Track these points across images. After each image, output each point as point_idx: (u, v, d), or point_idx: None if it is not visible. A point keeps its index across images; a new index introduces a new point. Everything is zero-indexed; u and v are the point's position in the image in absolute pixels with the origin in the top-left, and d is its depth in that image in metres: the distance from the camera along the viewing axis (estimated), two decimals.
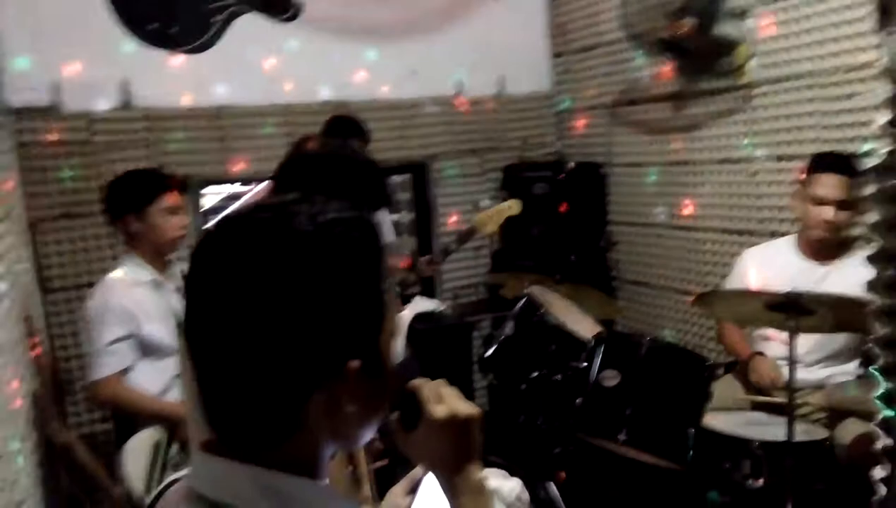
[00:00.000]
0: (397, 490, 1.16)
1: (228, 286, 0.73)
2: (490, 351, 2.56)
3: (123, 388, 2.43)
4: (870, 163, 1.42)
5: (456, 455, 0.93)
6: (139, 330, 2.44)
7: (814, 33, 2.90)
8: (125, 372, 2.43)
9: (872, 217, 1.48)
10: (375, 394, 0.80)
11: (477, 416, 0.94)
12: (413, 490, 1.15)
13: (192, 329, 0.76)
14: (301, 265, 0.72)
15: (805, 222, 2.60)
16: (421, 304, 3.35)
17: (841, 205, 2.47)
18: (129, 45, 2.76)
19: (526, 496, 1.24)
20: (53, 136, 3.10)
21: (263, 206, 0.79)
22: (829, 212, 2.48)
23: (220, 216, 0.84)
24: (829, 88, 2.86)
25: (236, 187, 4.44)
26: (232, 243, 0.75)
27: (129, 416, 2.49)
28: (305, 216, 0.75)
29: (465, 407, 0.93)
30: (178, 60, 3.13)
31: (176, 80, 3.30)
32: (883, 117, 1.41)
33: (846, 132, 2.81)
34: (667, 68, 3.51)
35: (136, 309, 2.44)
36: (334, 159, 1.56)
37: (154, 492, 0.78)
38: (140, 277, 2.51)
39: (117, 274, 2.50)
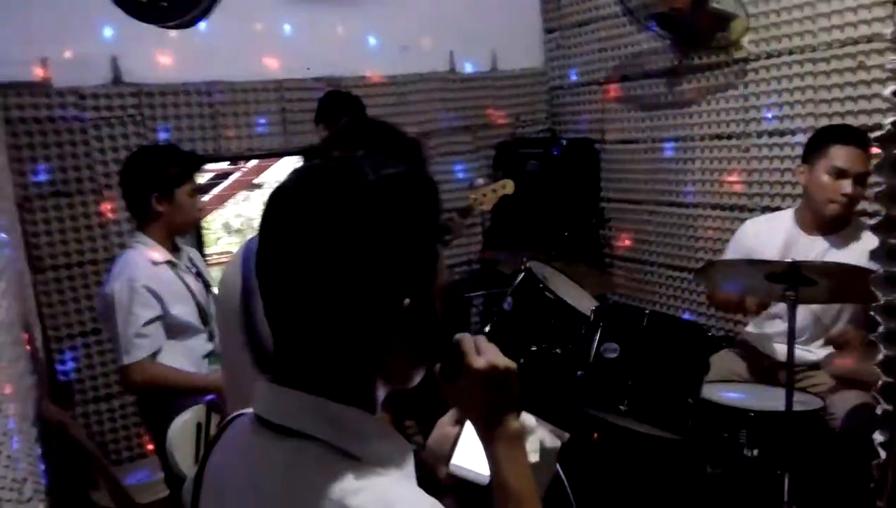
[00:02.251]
0: (445, 420, 1.20)
1: (297, 230, 0.80)
2: (489, 326, 2.57)
3: (159, 369, 2.39)
4: (876, 133, 1.43)
5: (493, 404, 0.98)
6: (167, 311, 2.41)
7: (805, 9, 2.91)
8: (155, 354, 2.39)
9: (878, 187, 1.50)
10: (425, 338, 0.88)
11: (514, 369, 0.98)
12: (460, 419, 1.17)
13: (265, 269, 0.84)
14: (363, 212, 0.79)
15: (818, 195, 2.49)
16: None
17: (859, 178, 2.41)
18: (120, 20, 2.69)
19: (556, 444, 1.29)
20: (42, 113, 3.04)
21: (333, 159, 0.87)
22: (848, 186, 2.42)
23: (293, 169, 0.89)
24: (821, 63, 2.87)
25: (226, 165, 4.39)
26: (302, 191, 0.82)
27: (160, 398, 2.44)
28: (370, 168, 0.82)
29: (503, 360, 0.98)
30: (169, 36, 3.07)
31: (167, 55, 3.24)
32: (890, 88, 1.42)
33: (838, 107, 2.83)
34: (661, 43, 3.51)
35: (161, 290, 2.40)
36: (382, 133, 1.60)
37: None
38: (156, 257, 2.47)
39: (136, 254, 2.45)
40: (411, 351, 0.87)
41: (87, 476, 2.77)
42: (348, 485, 0.77)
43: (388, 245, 0.80)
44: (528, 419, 1.23)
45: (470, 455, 1.12)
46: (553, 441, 1.25)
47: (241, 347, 1.58)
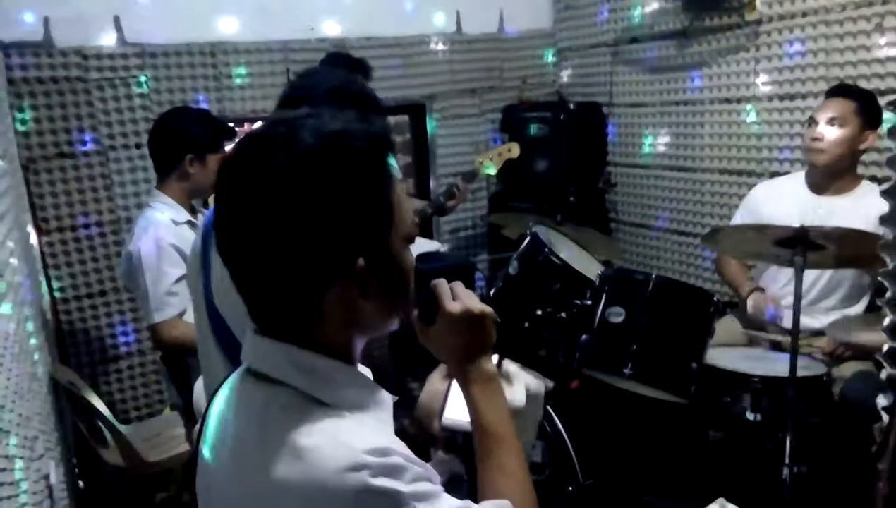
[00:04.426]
0: (435, 377, 1.24)
1: (247, 197, 0.81)
2: (494, 290, 2.57)
3: (188, 327, 2.36)
4: (890, 98, 1.41)
5: (468, 347, 1.00)
6: None
7: None
8: (182, 313, 2.41)
9: (889, 152, 1.48)
10: (392, 290, 0.89)
11: (489, 314, 1.01)
12: (450, 375, 1.22)
13: (222, 237, 0.85)
14: (305, 175, 0.79)
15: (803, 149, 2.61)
16: (422, 245, 3.36)
17: (829, 121, 2.45)
18: None
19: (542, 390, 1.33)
20: (45, 73, 3.02)
21: (277, 122, 0.85)
22: (814, 131, 2.48)
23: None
24: (835, 25, 2.81)
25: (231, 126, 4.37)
26: (249, 158, 0.83)
27: (186, 356, 2.45)
28: (310, 130, 0.82)
29: (478, 305, 1.00)
30: None
31: (170, 15, 3.21)
32: None
33: (851, 70, 2.78)
34: (672, 4, 3.44)
35: (185, 249, 2.39)
36: (336, 93, 1.52)
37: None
38: (178, 217, 2.49)
39: (158, 214, 2.46)
40: (382, 305, 0.88)
41: (96, 434, 2.82)
42: (306, 427, 0.80)
43: (329, 208, 0.80)
44: (511, 367, 1.27)
45: (461, 408, 1.15)
46: (538, 387, 1.29)
47: (204, 316, 1.58)
